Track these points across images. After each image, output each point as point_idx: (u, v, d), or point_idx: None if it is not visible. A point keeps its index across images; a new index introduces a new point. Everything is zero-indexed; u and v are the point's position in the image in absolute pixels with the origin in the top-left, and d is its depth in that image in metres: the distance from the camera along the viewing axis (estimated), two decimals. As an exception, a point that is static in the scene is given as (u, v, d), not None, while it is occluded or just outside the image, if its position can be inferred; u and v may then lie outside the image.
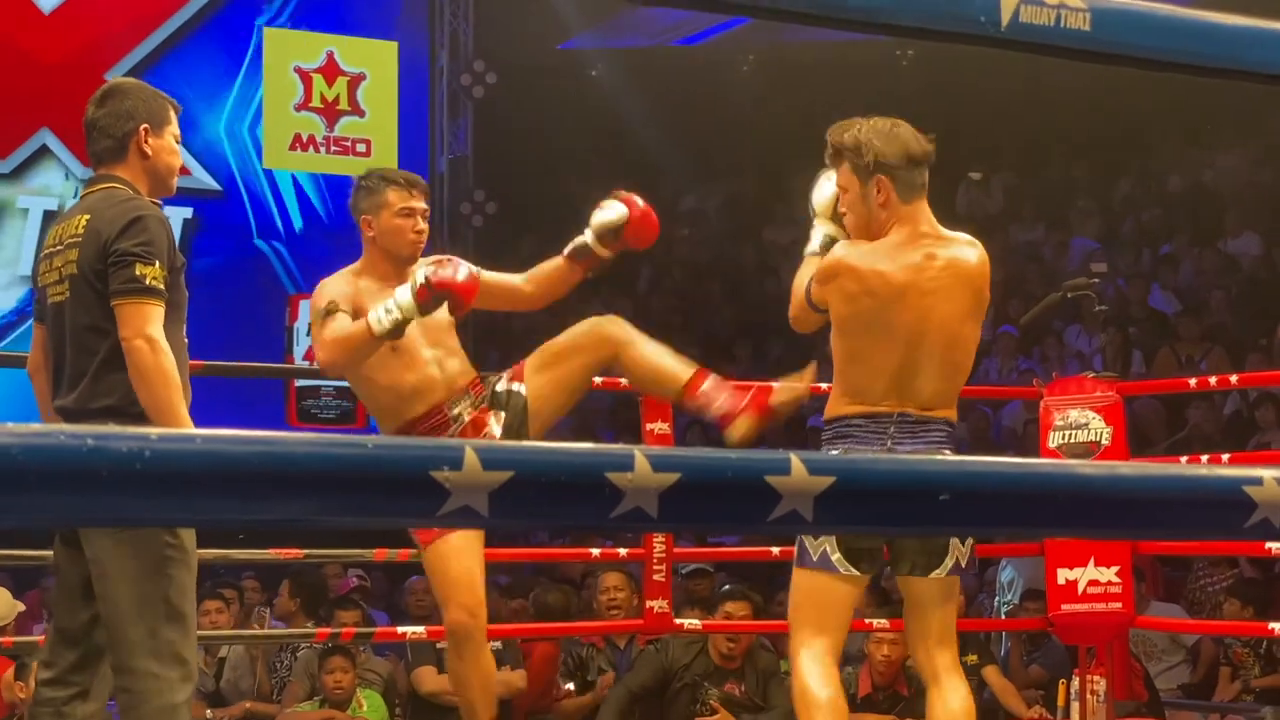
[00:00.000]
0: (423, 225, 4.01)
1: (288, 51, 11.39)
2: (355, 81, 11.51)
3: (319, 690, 6.19)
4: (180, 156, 3.50)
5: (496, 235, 12.35)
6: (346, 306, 3.87)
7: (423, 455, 1.07)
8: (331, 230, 11.21)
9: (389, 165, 11.64)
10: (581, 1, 12.62)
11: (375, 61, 11.65)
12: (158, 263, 3.20)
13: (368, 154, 11.55)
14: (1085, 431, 5.51)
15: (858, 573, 3.52)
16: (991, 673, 6.14)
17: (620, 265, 13.43)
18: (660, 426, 5.24)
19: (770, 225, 13.11)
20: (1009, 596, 7.50)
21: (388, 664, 6.51)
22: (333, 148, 11.42)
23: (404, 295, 3.74)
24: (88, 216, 3.29)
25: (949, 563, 3.56)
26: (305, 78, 11.38)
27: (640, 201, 4.06)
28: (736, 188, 13.63)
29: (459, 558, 3.84)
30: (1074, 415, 5.57)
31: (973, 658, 6.13)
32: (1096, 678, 5.38)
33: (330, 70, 11.46)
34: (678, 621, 5.59)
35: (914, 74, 13.09)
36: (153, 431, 1.03)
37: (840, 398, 3.54)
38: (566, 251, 4.10)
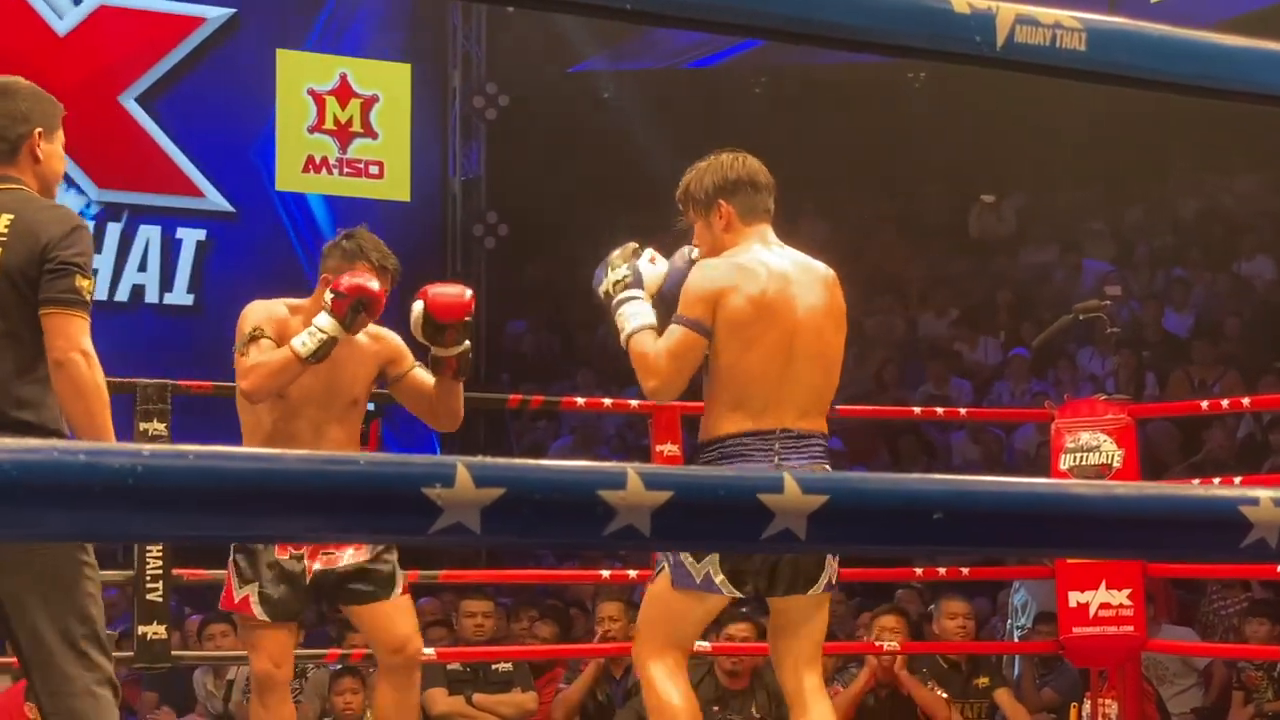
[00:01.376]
0: (378, 309, 4.05)
1: (301, 74, 11.43)
2: (368, 104, 11.55)
3: (329, 711, 6.19)
4: (64, 164, 3.42)
5: (508, 257, 12.37)
6: (272, 331, 3.94)
7: (414, 472, 1.08)
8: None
9: (402, 187, 11.68)
10: (594, 25, 12.65)
11: (388, 84, 11.69)
12: (91, 277, 3.17)
13: (380, 176, 11.58)
14: (1097, 454, 5.50)
15: (740, 594, 3.60)
16: (1003, 695, 6.12)
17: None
18: (670, 448, 5.23)
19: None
20: (1022, 620, 7.48)
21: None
22: (346, 169, 11.45)
23: (323, 317, 3.83)
24: (11, 216, 3.16)
25: (823, 580, 3.59)
26: (318, 100, 11.42)
27: (433, 289, 4.06)
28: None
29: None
30: (1085, 438, 5.56)
31: (984, 680, 6.12)
32: (1108, 701, 5.36)
33: (343, 92, 11.49)
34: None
35: (926, 96, 13.09)
36: (145, 447, 1.03)
37: (721, 416, 3.54)
38: (430, 370, 4.12)
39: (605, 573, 6.03)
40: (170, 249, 11.03)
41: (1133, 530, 1.26)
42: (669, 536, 1.14)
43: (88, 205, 10.87)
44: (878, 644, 5.85)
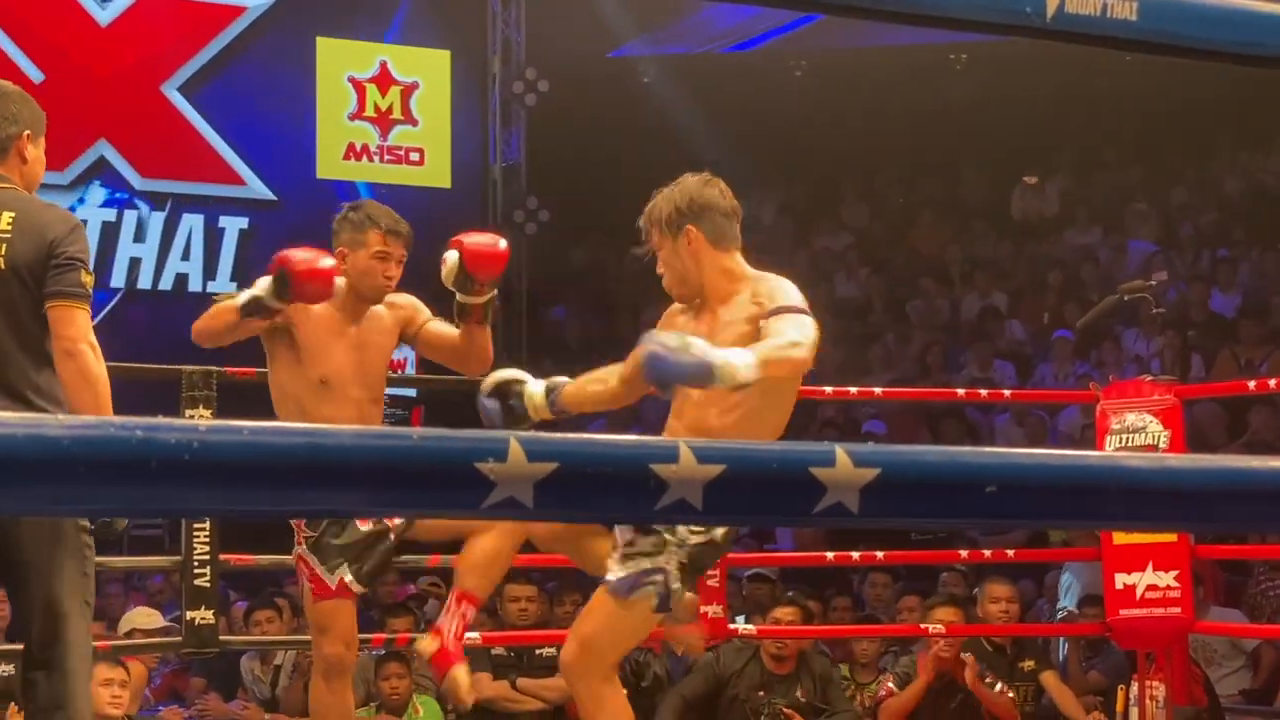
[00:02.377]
0: (395, 271, 4.11)
1: (341, 61, 11.46)
2: (409, 91, 11.57)
3: (374, 696, 6.21)
4: (44, 169, 3.51)
5: (550, 242, 12.38)
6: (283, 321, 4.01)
7: (468, 447, 1.08)
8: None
9: (442, 173, 11.71)
10: (633, 8, 12.63)
11: (428, 70, 11.70)
12: (92, 273, 3.29)
13: (421, 163, 11.61)
14: (1142, 435, 5.47)
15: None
16: (1049, 678, 6.09)
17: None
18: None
19: (824, 232, 13.08)
20: (1063, 602, 7.45)
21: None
22: (386, 157, 11.48)
23: (263, 279, 3.92)
24: (13, 214, 3.25)
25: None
26: (359, 87, 11.45)
27: (469, 239, 4.04)
28: (790, 194, 13.60)
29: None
30: (1131, 419, 5.53)
31: (1030, 663, 6.09)
32: (1156, 683, 5.34)
33: (384, 80, 11.52)
34: (732, 626, 5.58)
35: (967, 78, 13.03)
36: (201, 423, 1.04)
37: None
38: (456, 318, 4.14)
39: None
40: (213, 237, 11.08)
41: (1187, 503, 1.26)
42: (721, 510, 1.14)
43: (131, 194, 10.93)
44: (923, 627, 5.84)
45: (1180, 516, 1.36)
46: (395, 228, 4.13)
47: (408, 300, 4.24)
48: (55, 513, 0.99)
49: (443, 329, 4.17)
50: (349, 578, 4.02)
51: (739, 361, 3.16)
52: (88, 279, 3.24)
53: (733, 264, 3.59)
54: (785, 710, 5.58)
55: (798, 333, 3.36)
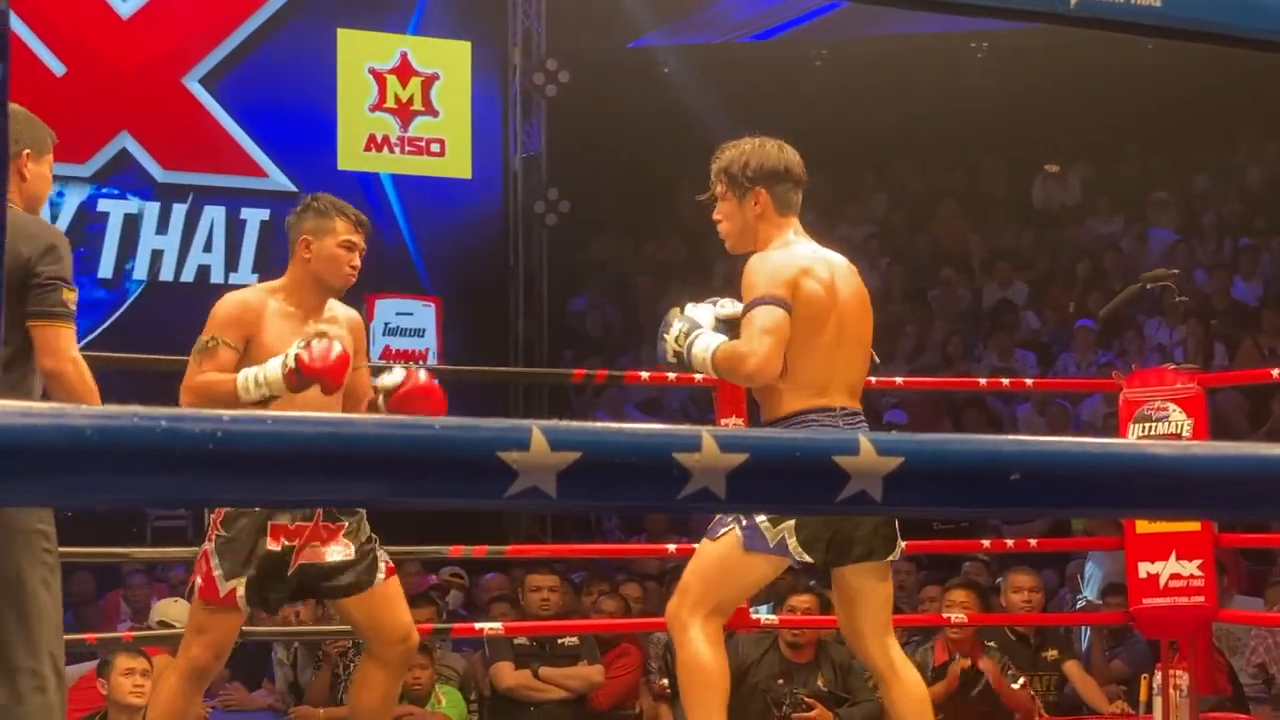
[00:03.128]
0: (358, 263, 4.04)
1: (361, 53, 11.47)
2: (429, 82, 11.57)
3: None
4: (50, 187, 3.56)
5: (570, 234, 12.38)
6: (234, 338, 3.89)
7: (489, 436, 1.08)
8: (408, 230, 11.29)
9: (463, 164, 11.71)
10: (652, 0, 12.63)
11: (449, 61, 11.70)
12: (75, 289, 3.32)
13: (442, 154, 11.61)
14: (1165, 424, 5.45)
15: (811, 560, 3.62)
16: (1073, 667, 6.08)
17: (695, 261, 13.42)
18: (735, 422, 5.22)
19: (844, 221, 13.06)
20: (1085, 592, 7.44)
21: (464, 660, 6.54)
22: (407, 148, 11.48)
23: (274, 372, 3.78)
24: None
25: (899, 546, 3.70)
26: (379, 79, 11.46)
27: (420, 378, 4.05)
28: (810, 184, 13.57)
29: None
30: (1154, 408, 5.51)
31: (1053, 653, 6.09)
32: (1179, 672, 5.32)
33: (404, 71, 11.52)
34: (754, 616, 5.58)
35: (988, 67, 12.98)
36: (225, 413, 1.04)
37: (788, 394, 3.63)
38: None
39: (671, 547, 6.03)
40: (235, 229, 11.11)
41: (1213, 490, 1.25)
42: (744, 499, 1.14)
43: (153, 187, 10.96)
44: (945, 616, 5.83)
45: (1205, 505, 1.35)
46: (360, 219, 4.09)
47: (360, 336, 4.18)
48: (80, 503, 0.99)
49: (363, 380, 4.09)
50: (241, 592, 3.88)
51: (700, 355, 3.59)
52: (69, 296, 3.28)
53: (784, 234, 3.74)
54: (806, 699, 5.57)
55: (755, 337, 3.53)
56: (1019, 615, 6.05)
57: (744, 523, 3.57)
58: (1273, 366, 7.86)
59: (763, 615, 5.87)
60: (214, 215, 11.05)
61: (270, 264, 11.06)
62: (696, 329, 3.69)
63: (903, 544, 3.72)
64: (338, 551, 3.96)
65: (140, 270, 10.84)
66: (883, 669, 3.70)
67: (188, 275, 10.98)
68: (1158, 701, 5.33)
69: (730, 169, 3.73)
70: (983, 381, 7.21)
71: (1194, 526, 5.40)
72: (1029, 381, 7.93)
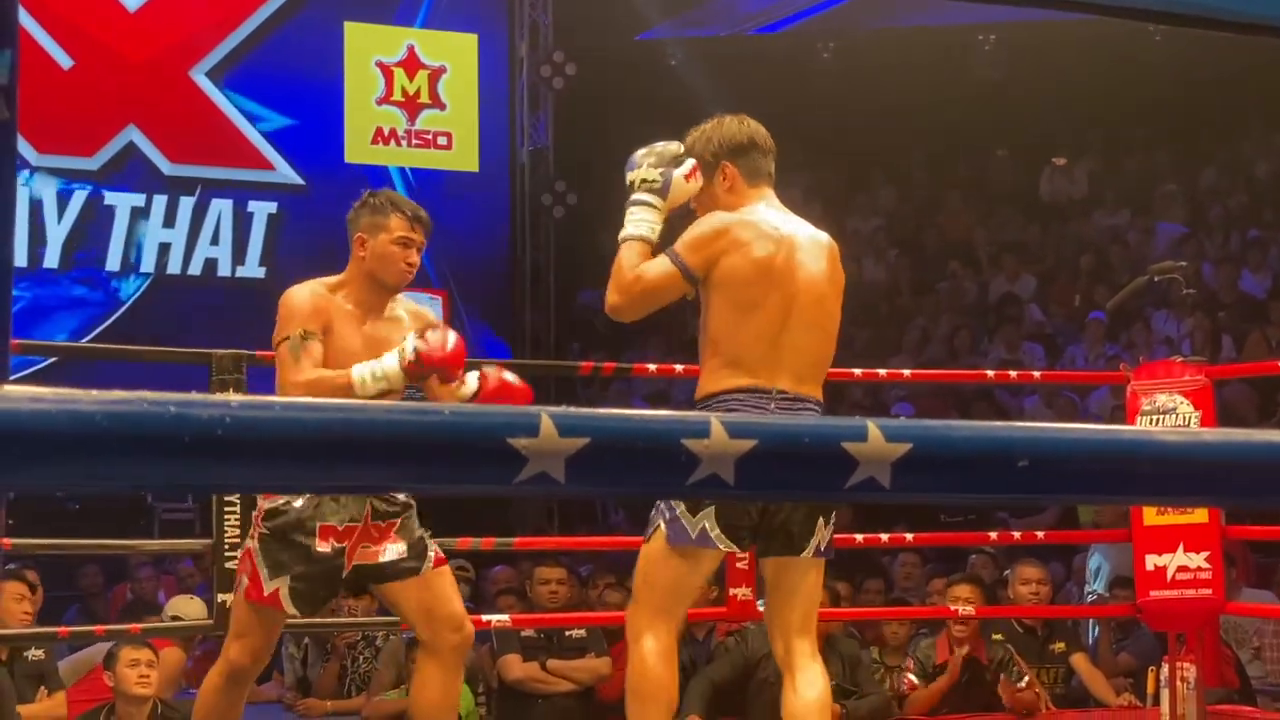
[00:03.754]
0: (415, 259, 3.93)
1: (369, 46, 11.47)
2: (436, 75, 11.58)
3: (405, 678, 6.24)
4: None
5: (577, 226, 12.38)
6: (317, 328, 3.79)
7: (499, 422, 1.08)
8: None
9: (470, 157, 11.71)
10: (660, -9, 12.62)
11: (456, 54, 11.71)
12: None
13: (449, 146, 11.61)
14: (1173, 416, 5.45)
15: (738, 549, 3.54)
16: (1080, 660, 6.08)
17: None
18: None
19: (852, 214, 13.05)
20: (1094, 585, 7.43)
21: (472, 652, 6.54)
22: (414, 141, 11.49)
23: (392, 364, 3.68)
24: None
25: (811, 545, 3.53)
26: (386, 72, 11.46)
27: (491, 381, 3.96)
28: (817, 177, 13.58)
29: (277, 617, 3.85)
30: (1161, 400, 5.50)
31: (1060, 645, 6.08)
32: (1186, 665, 5.31)
33: (411, 64, 11.53)
34: (761, 609, 5.57)
35: (995, 59, 12.96)
36: (234, 398, 1.04)
37: (718, 373, 3.50)
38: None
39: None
40: (242, 222, 11.12)
41: (1221, 477, 1.25)
42: (753, 486, 1.14)
43: (160, 180, 10.97)
44: (952, 608, 5.83)
45: (1214, 491, 1.35)
46: (417, 214, 3.97)
47: (425, 314, 4.08)
48: (89, 488, 0.99)
49: (433, 381, 3.92)
50: (285, 592, 3.76)
51: (626, 229, 3.60)
52: None
53: (751, 203, 3.64)
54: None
55: (632, 279, 3.54)
56: (1026, 608, 6.04)
57: (667, 516, 3.48)
58: (1280, 359, 7.85)
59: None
60: (221, 208, 11.07)
61: (277, 257, 11.07)
62: (655, 199, 3.61)
63: (822, 543, 3.55)
64: (392, 551, 3.85)
65: (147, 263, 10.85)
66: (781, 663, 3.59)
67: (195, 268, 10.99)
68: (1165, 694, 5.33)
69: (695, 151, 3.65)
70: (990, 374, 7.20)
71: (1202, 519, 5.39)
72: (1037, 374, 7.94)
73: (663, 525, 3.49)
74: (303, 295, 3.86)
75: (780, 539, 3.52)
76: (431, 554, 3.91)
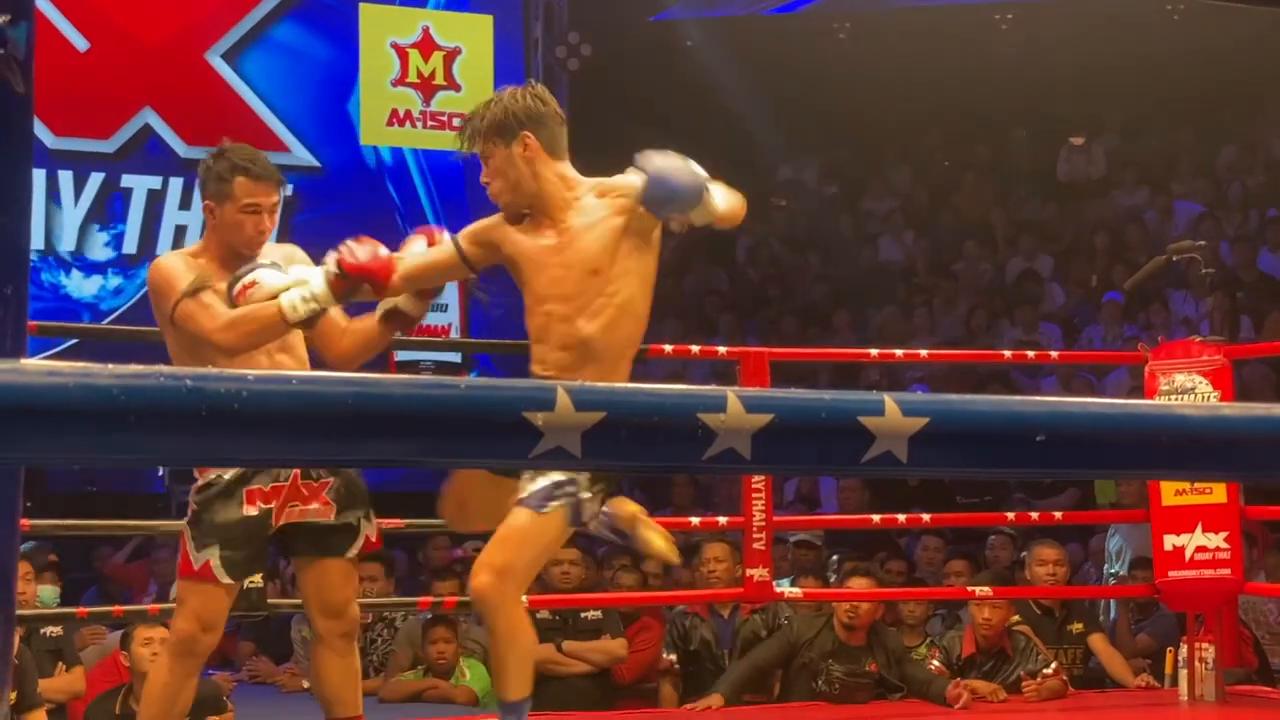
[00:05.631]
0: (268, 224, 3.77)
1: (384, 27, 11.46)
2: (451, 56, 11.56)
3: (422, 660, 6.26)
4: None
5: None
6: (209, 279, 3.67)
7: (515, 396, 1.08)
8: (430, 205, 11.29)
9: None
10: (676, -28, 12.59)
11: (470, 35, 11.69)
12: None
13: (465, 129, 11.60)
14: (1192, 396, 5.43)
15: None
16: (1098, 640, 6.06)
17: (716, 236, 13.38)
18: (758, 393, 5.20)
19: (868, 195, 13.02)
20: (1116, 566, 7.41)
21: (487, 633, 6.55)
22: (430, 123, 11.48)
23: (318, 283, 3.56)
24: None
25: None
26: (401, 53, 11.45)
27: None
28: (834, 157, 13.55)
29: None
30: (1180, 379, 5.49)
31: (1079, 626, 6.06)
32: (1205, 645, 5.30)
33: (426, 45, 11.51)
34: (778, 590, 5.57)
35: (1013, 38, 12.92)
36: (250, 372, 1.04)
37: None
38: (379, 314, 3.82)
39: (695, 519, 6.03)
40: (258, 204, 11.13)
41: (1241, 451, 1.24)
42: (769, 460, 1.14)
43: (177, 162, 10.98)
44: (970, 590, 5.82)
45: (1233, 465, 1.35)
46: (264, 174, 3.76)
47: (294, 256, 3.85)
48: (107, 462, 0.99)
49: (339, 317, 3.81)
50: (215, 562, 3.69)
51: (716, 193, 3.59)
52: None
53: (567, 171, 3.66)
54: (842, 679, 5.50)
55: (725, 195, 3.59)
56: (1044, 589, 6.03)
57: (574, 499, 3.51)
58: (1299, 338, 7.82)
59: (785, 588, 5.87)
60: (237, 190, 11.07)
61: (292, 239, 11.07)
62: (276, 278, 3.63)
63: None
64: (321, 513, 3.79)
65: (164, 246, 10.86)
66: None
67: (212, 250, 11.00)
68: (1183, 675, 5.32)
69: (488, 122, 3.62)
70: (1008, 354, 7.19)
71: (1220, 498, 5.38)
72: (1054, 354, 7.91)
73: (567, 506, 3.49)
74: (174, 260, 3.78)
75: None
76: (360, 541, 3.86)
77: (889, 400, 1.15)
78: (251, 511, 3.74)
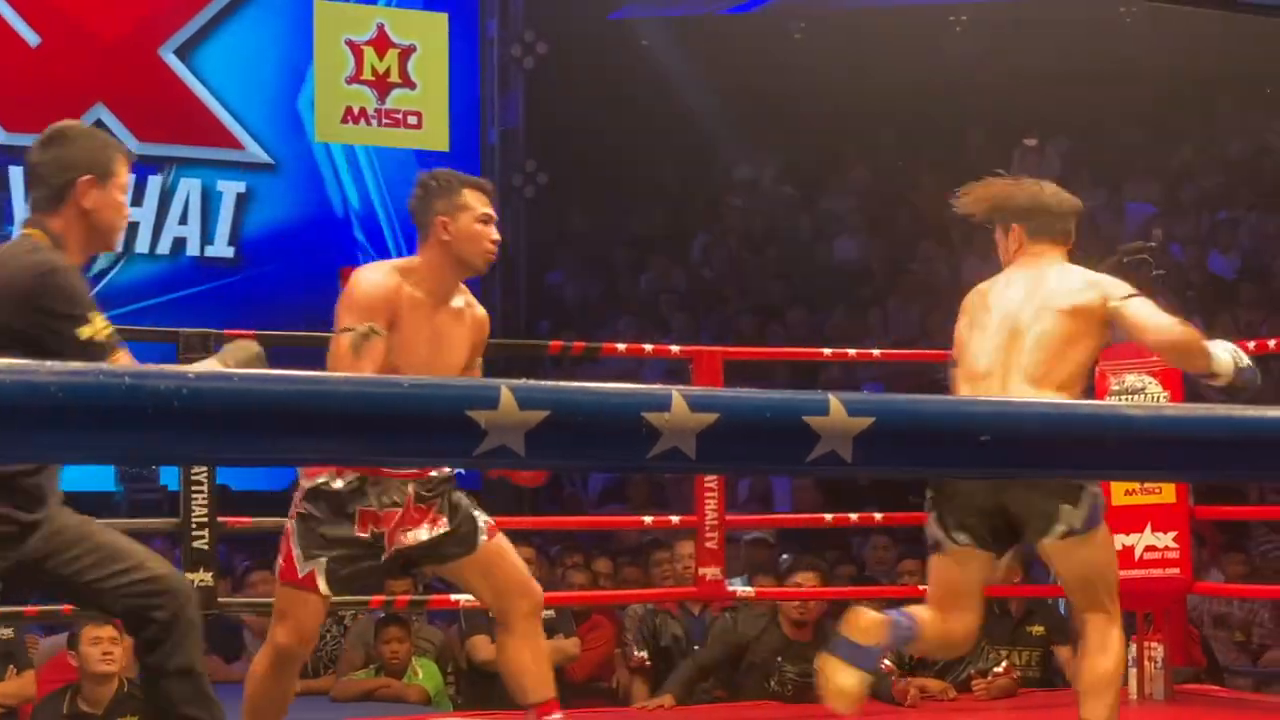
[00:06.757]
0: (497, 236, 3.78)
1: (338, 24, 11.42)
2: (406, 53, 11.53)
3: (374, 659, 6.23)
4: (127, 212, 3.27)
5: (548, 207, 12.35)
6: (383, 322, 3.61)
7: (458, 395, 1.07)
8: (384, 203, 11.25)
9: (440, 137, 11.67)
10: (632, -29, 12.59)
11: (426, 33, 11.65)
12: (90, 316, 3.00)
13: (419, 126, 11.57)
14: (1142, 396, 5.47)
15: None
16: (1066, 653, 6.02)
17: (673, 234, 13.39)
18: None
19: (824, 194, 13.05)
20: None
21: (441, 632, 6.54)
22: (384, 120, 11.44)
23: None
24: None
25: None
26: (356, 50, 11.41)
27: None
28: (790, 157, 13.58)
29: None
30: (1130, 379, 5.53)
31: (1039, 628, 6.04)
32: (1154, 644, 5.34)
33: (381, 42, 11.47)
34: (730, 589, 5.58)
35: (968, 39, 12.98)
36: (191, 369, 1.03)
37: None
38: None
39: (648, 518, 6.04)
40: (210, 201, 11.07)
41: (1183, 451, 1.25)
42: (714, 459, 1.14)
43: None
44: (921, 588, 5.83)
45: (1174, 465, 1.35)
46: (487, 186, 3.79)
47: (484, 326, 3.89)
48: (47, 459, 0.98)
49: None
50: (321, 573, 3.65)
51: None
52: (86, 330, 2.98)
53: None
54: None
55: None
56: (995, 588, 6.04)
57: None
58: (1250, 339, 7.88)
59: (738, 587, 5.87)
60: (190, 187, 11.01)
61: (245, 236, 11.03)
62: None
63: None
64: (432, 530, 3.73)
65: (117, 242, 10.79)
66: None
67: (163, 247, 10.94)
68: (1133, 673, 5.35)
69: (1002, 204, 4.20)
70: (960, 354, 7.18)
71: (1169, 498, 5.41)
72: (1006, 354, 7.92)
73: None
74: (374, 281, 3.67)
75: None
76: (483, 526, 3.81)
77: (834, 400, 1.15)
78: (364, 535, 3.70)
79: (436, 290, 3.72)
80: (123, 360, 3.02)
